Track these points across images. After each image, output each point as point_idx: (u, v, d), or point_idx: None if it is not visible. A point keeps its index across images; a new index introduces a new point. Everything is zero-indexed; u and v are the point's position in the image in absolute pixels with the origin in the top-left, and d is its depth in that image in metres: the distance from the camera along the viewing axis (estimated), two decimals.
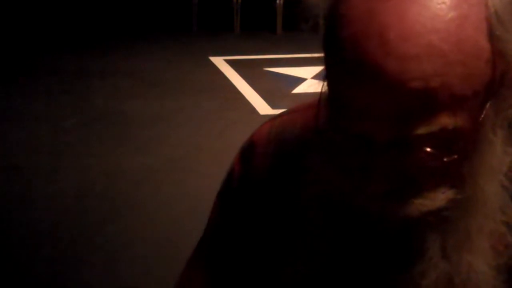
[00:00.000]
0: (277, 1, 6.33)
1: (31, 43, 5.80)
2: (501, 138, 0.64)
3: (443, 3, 0.57)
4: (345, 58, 0.59)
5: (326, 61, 0.64)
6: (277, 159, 0.82)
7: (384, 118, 0.59)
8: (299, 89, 4.85)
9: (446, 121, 0.59)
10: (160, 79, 5.04)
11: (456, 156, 0.60)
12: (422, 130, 0.59)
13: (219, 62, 5.50)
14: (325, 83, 0.65)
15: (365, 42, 0.58)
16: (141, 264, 2.73)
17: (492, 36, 0.59)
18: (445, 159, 0.60)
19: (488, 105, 0.62)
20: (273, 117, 0.88)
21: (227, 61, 5.52)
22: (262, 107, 4.49)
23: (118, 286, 2.62)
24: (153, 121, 4.24)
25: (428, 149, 0.60)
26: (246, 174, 0.85)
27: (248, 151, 0.87)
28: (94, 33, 6.17)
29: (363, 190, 0.63)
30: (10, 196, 3.26)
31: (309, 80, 5.00)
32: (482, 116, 0.62)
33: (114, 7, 6.74)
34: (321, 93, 0.67)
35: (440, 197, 0.63)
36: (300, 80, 5.01)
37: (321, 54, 0.65)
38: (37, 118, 4.25)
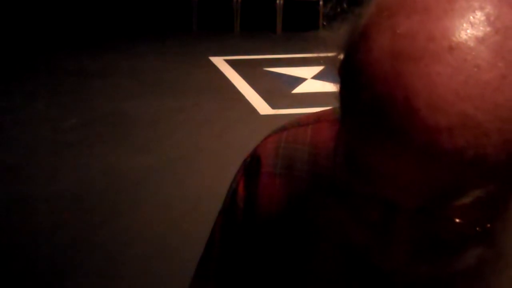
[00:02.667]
0: (277, 1, 6.33)
1: (31, 43, 5.80)
2: None
3: (477, 65, 0.50)
4: (366, 123, 0.53)
5: (343, 115, 0.57)
6: (286, 183, 0.77)
7: (411, 190, 0.53)
8: (299, 89, 4.85)
9: (477, 192, 0.53)
10: (160, 79, 5.05)
11: (488, 226, 0.56)
12: (453, 203, 0.54)
13: (219, 62, 5.50)
14: (342, 132, 0.59)
15: (390, 109, 0.51)
16: (141, 264, 2.73)
17: None
18: (477, 229, 0.56)
19: None
20: (279, 130, 0.81)
21: (227, 61, 5.52)
22: (262, 107, 4.49)
23: (118, 286, 2.62)
24: (153, 121, 4.24)
25: (458, 220, 0.55)
26: (252, 195, 0.80)
27: (252, 168, 0.81)
28: (94, 33, 6.18)
29: (384, 248, 0.58)
30: (10, 196, 3.26)
31: (309, 80, 5.00)
32: None
33: (114, 7, 6.74)
34: (337, 142, 0.60)
35: (469, 256, 0.58)
36: (300, 80, 5.01)
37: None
38: (37, 118, 4.25)
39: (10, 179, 3.45)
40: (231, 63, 5.46)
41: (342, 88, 0.57)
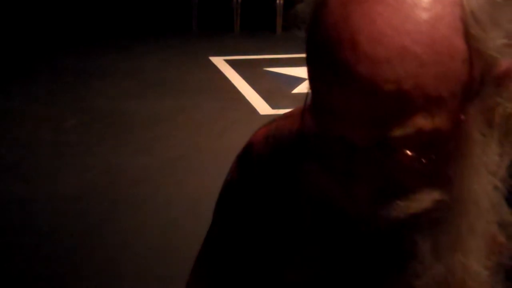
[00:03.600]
0: (277, 1, 6.33)
1: (31, 43, 5.80)
2: (491, 138, 0.64)
3: (416, 5, 0.57)
4: (321, 63, 0.60)
5: (307, 66, 0.64)
6: (275, 164, 0.81)
7: (360, 122, 0.59)
8: (299, 89, 4.85)
9: (422, 122, 0.58)
10: (160, 79, 5.04)
11: (434, 157, 0.61)
12: (398, 133, 0.59)
13: (219, 62, 5.50)
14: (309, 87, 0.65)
15: (337, 46, 0.58)
16: (141, 264, 2.73)
17: (468, 36, 0.59)
18: (423, 160, 0.60)
19: (469, 105, 0.62)
20: (269, 122, 0.87)
21: (227, 61, 5.52)
22: (262, 107, 4.49)
23: (118, 286, 2.62)
24: (153, 121, 4.24)
25: (407, 152, 0.60)
26: (245, 181, 0.85)
27: (245, 158, 0.86)
28: (94, 33, 6.17)
29: (349, 193, 0.63)
30: (10, 196, 3.26)
31: None
32: (463, 116, 0.61)
33: (114, 7, 6.74)
34: (307, 96, 0.67)
35: (425, 199, 0.63)
36: (300, 80, 5.01)
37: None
38: (37, 118, 4.25)
39: (10, 179, 3.45)
40: (231, 63, 5.46)
41: (306, 43, 0.64)
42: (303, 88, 5.03)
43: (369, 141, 0.60)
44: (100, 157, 3.70)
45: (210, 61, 5.52)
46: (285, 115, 0.87)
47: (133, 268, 2.70)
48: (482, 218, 0.65)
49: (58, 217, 3.08)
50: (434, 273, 0.65)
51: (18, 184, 3.39)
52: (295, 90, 4.83)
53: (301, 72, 5.12)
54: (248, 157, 0.85)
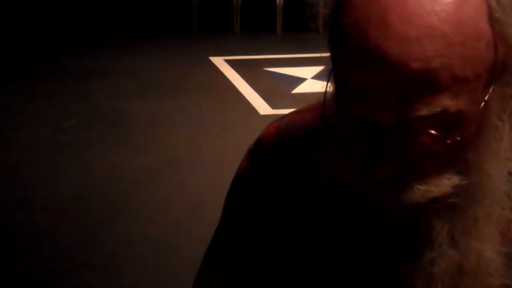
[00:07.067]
0: (277, 1, 6.33)
1: (31, 44, 5.80)
2: (509, 125, 0.65)
3: None
4: (348, 44, 0.60)
5: (331, 49, 0.65)
6: (287, 154, 0.82)
7: (387, 100, 0.59)
8: (299, 89, 4.85)
9: (447, 102, 0.59)
10: (160, 79, 5.04)
11: (458, 139, 0.61)
12: (424, 111, 0.59)
13: (219, 62, 5.50)
14: (332, 73, 0.66)
15: (367, 26, 0.59)
16: (141, 264, 2.73)
17: (492, 19, 0.60)
18: (448, 141, 0.60)
19: (491, 89, 0.62)
20: (281, 117, 0.88)
21: (227, 61, 5.51)
22: (262, 107, 4.49)
23: (118, 286, 2.62)
24: (153, 121, 4.24)
25: (431, 131, 0.60)
26: (256, 171, 0.84)
27: (256, 149, 0.86)
28: (94, 33, 6.17)
29: (369, 177, 0.63)
30: (10, 196, 3.26)
31: (309, 80, 5.00)
32: (486, 100, 0.62)
33: (114, 7, 6.74)
34: (327, 82, 0.68)
35: (445, 183, 0.63)
36: (300, 80, 5.01)
37: (326, 46, 0.66)
38: (37, 118, 4.25)
39: (10, 179, 3.45)
40: (231, 63, 5.46)
41: (330, 27, 0.64)
42: (303, 88, 5.06)
43: (394, 121, 0.60)
44: (100, 157, 3.70)
45: (210, 61, 5.52)
46: (296, 110, 0.87)
47: (133, 268, 2.70)
48: (497, 204, 0.66)
49: (58, 217, 3.08)
50: (450, 259, 0.65)
51: (18, 184, 3.39)
52: (295, 90, 4.83)
53: (301, 72, 5.12)
54: (259, 151, 0.85)
